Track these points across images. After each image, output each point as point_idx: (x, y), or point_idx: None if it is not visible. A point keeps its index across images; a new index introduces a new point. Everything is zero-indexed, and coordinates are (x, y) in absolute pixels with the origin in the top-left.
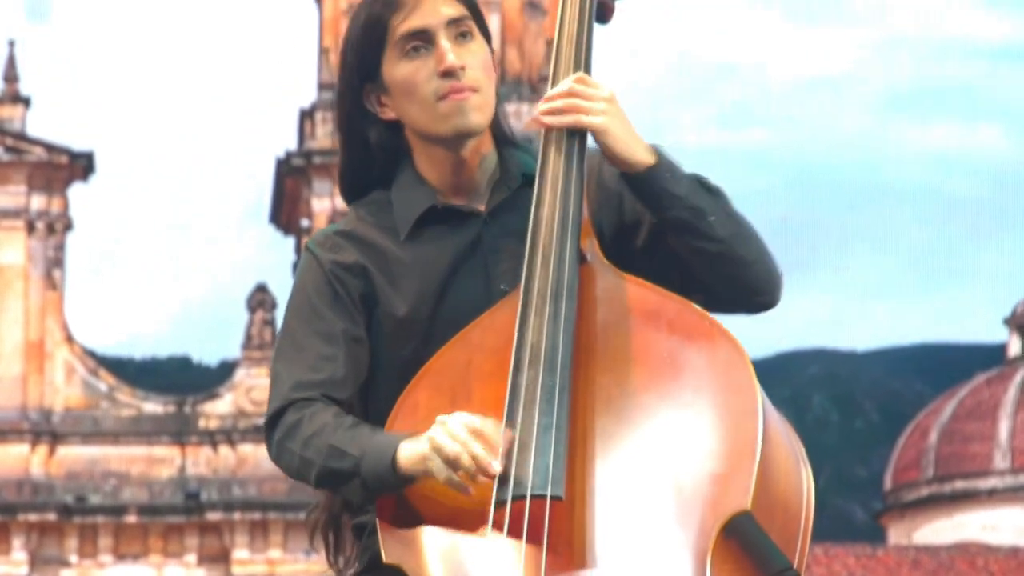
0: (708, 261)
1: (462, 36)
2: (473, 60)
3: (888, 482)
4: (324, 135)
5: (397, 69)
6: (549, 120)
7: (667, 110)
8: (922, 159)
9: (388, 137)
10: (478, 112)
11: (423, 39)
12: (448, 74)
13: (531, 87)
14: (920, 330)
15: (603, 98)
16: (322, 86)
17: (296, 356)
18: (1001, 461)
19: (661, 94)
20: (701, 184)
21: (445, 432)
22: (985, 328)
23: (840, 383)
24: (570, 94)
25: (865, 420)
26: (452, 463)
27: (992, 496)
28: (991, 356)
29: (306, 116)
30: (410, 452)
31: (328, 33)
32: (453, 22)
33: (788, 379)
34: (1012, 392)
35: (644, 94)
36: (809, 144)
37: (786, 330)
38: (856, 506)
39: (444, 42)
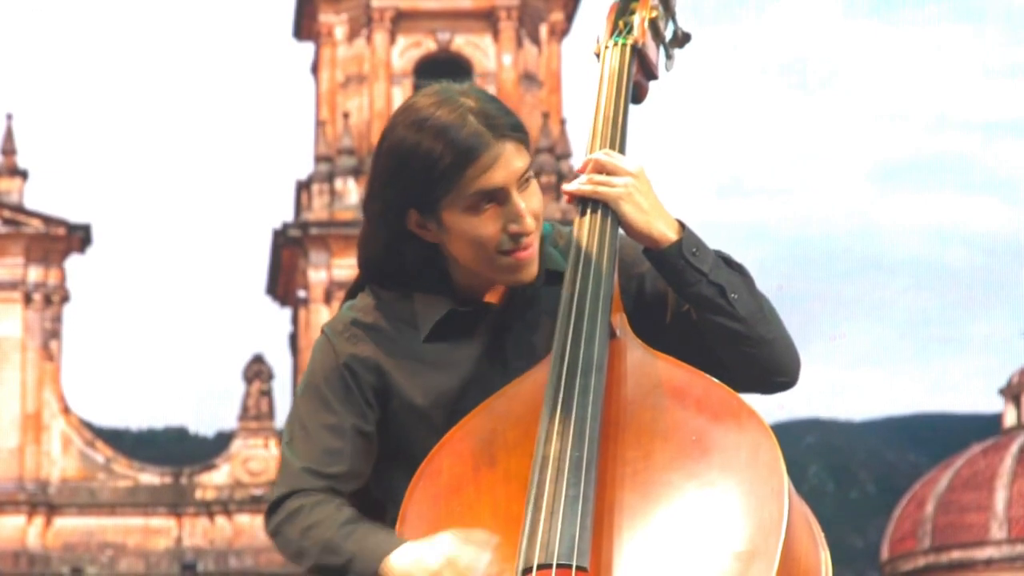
0: (729, 338)
1: (525, 182)
2: (534, 204)
3: (885, 552)
4: (320, 206)
5: (463, 219)
6: (570, 189)
7: (664, 181)
8: (917, 229)
9: (424, 249)
10: (535, 263)
11: (496, 196)
12: (519, 236)
13: None
14: (915, 400)
15: (626, 172)
16: (318, 158)
17: (305, 445)
18: (998, 531)
19: (658, 165)
20: (725, 261)
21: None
22: (980, 398)
23: (836, 453)
24: (593, 168)
25: (861, 490)
26: None
27: (989, 566)
28: (986, 426)
29: (303, 188)
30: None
31: (324, 105)
32: (522, 173)
33: (784, 449)
34: (1008, 462)
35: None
36: (804, 214)
37: (782, 399)
38: None
39: (519, 200)
